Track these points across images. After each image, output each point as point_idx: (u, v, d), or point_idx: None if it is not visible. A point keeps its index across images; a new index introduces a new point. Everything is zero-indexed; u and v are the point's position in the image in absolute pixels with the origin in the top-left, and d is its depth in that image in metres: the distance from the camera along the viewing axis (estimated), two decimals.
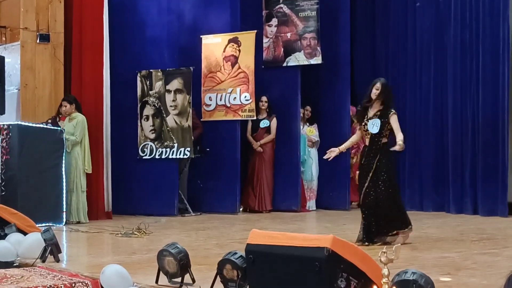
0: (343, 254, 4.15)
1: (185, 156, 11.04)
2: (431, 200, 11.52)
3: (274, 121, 11.76)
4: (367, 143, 7.68)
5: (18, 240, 6.70)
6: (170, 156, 11.06)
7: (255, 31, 11.48)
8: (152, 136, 11.22)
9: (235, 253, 4.73)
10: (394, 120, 7.54)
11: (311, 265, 4.15)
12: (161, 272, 5.22)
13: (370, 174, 7.54)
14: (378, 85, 7.62)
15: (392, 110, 7.59)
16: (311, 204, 11.95)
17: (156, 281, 5.22)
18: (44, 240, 6.38)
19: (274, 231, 8.96)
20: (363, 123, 7.66)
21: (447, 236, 8.54)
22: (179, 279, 5.10)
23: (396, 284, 3.85)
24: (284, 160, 11.78)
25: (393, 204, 7.58)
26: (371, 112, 7.64)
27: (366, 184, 7.57)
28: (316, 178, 12.02)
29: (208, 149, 11.42)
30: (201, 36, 11.59)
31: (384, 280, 3.55)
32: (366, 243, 7.45)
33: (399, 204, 7.74)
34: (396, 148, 7.43)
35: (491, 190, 10.61)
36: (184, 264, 5.04)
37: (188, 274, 5.07)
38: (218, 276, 4.82)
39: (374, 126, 7.54)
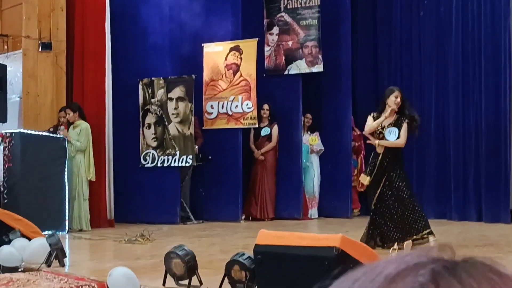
0: (352, 253, 4.16)
1: (187, 164, 11.02)
2: (433, 207, 11.48)
3: (275, 128, 11.75)
4: (379, 151, 7.65)
5: (23, 245, 6.67)
6: (172, 164, 11.04)
7: (257, 39, 11.49)
8: (154, 144, 11.21)
9: (243, 254, 4.74)
10: (403, 128, 7.57)
11: (320, 265, 4.15)
12: (168, 275, 5.21)
13: (383, 181, 7.54)
14: (397, 93, 7.61)
15: (406, 118, 7.61)
16: (313, 212, 11.92)
17: (164, 283, 5.21)
18: (50, 244, 6.37)
19: None
20: (378, 131, 7.67)
21: (450, 242, 8.51)
22: (186, 281, 5.09)
23: None
24: (286, 168, 11.76)
25: (407, 209, 7.50)
26: (387, 121, 7.64)
27: (379, 190, 7.56)
28: (318, 187, 12.01)
29: (210, 157, 11.40)
30: (202, 44, 11.60)
31: None
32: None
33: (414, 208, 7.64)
34: (372, 140, 7.66)
35: (494, 197, 10.60)
36: (191, 266, 5.04)
37: (195, 276, 5.06)
38: (226, 278, 4.82)
39: (391, 134, 7.56)
